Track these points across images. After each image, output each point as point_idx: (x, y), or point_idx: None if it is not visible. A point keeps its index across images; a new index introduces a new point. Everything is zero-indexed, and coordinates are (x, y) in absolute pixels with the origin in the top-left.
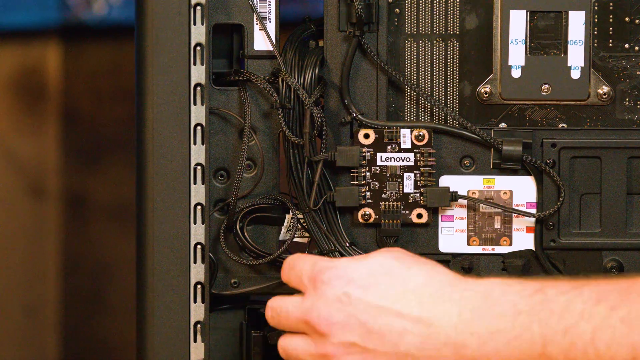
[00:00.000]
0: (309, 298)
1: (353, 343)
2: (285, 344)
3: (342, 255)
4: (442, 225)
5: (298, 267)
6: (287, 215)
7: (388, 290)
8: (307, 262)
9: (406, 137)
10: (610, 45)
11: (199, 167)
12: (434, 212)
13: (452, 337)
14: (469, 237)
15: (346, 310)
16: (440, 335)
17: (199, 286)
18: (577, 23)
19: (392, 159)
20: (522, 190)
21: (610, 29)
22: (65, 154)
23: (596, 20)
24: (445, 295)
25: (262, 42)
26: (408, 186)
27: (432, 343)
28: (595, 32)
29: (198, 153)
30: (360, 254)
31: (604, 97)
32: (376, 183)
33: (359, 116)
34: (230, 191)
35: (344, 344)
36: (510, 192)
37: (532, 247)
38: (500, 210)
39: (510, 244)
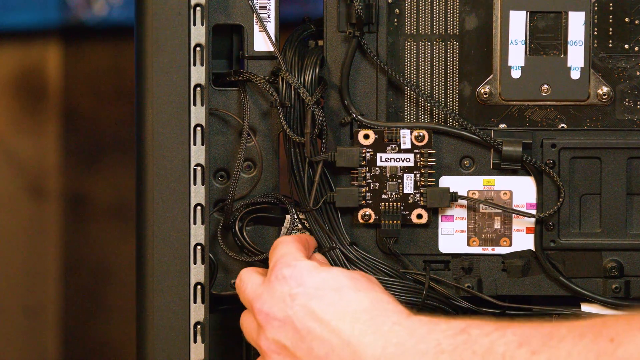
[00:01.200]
0: (263, 285)
1: (284, 346)
2: (243, 316)
3: (343, 253)
4: (442, 226)
5: (278, 250)
6: (286, 216)
7: (330, 306)
8: (286, 249)
9: (406, 137)
10: (610, 45)
11: (198, 168)
12: (433, 212)
13: None
14: (468, 238)
15: (286, 312)
16: None
17: (198, 287)
18: (576, 23)
19: (392, 160)
20: (522, 190)
21: (610, 29)
22: (65, 154)
23: (596, 20)
24: (377, 325)
25: (261, 42)
26: (408, 187)
27: None
28: (595, 33)
29: (198, 154)
30: (360, 252)
31: (604, 97)
32: (376, 183)
33: (358, 117)
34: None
35: (276, 342)
36: (510, 192)
37: (532, 248)
38: (500, 210)
39: (510, 245)
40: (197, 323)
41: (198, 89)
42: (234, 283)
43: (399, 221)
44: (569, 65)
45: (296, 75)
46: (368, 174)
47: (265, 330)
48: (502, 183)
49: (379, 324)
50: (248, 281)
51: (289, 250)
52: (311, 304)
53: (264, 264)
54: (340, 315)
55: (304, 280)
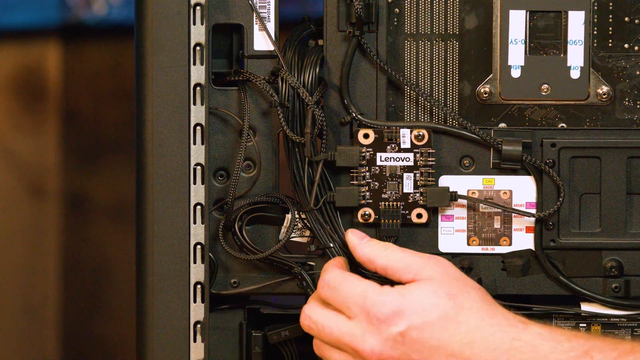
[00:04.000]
0: (360, 327)
1: None
2: (329, 355)
3: (341, 250)
4: (442, 225)
5: (345, 290)
6: (287, 215)
7: (442, 332)
8: (356, 288)
9: (406, 137)
10: (610, 45)
11: (198, 167)
12: (433, 212)
13: None
14: (468, 237)
15: (400, 349)
16: None
17: (198, 286)
18: (576, 23)
19: (392, 159)
20: (522, 190)
21: (610, 28)
22: (65, 154)
23: (596, 20)
24: (497, 342)
25: (261, 42)
26: (408, 186)
27: None
28: (595, 32)
29: (198, 153)
30: None
31: (604, 97)
32: (376, 183)
33: (358, 116)
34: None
35: None
36: (510, 192)
37: (532, 247)
38: (500, 210)
39: (510, 244)
40: (196, 322)
41: (198, 88)
42: (234, 282)
43: (398, 220)
44: (568, 64)
45: (296, 75)
46: (368, 174)
47: None
48: (502, 182)
49: (498, 341)
50: (328, 321)
51: (362, 285)
52: (423, 335)
53: (263, 263)
54: (455, 339)
55: (406, 313)
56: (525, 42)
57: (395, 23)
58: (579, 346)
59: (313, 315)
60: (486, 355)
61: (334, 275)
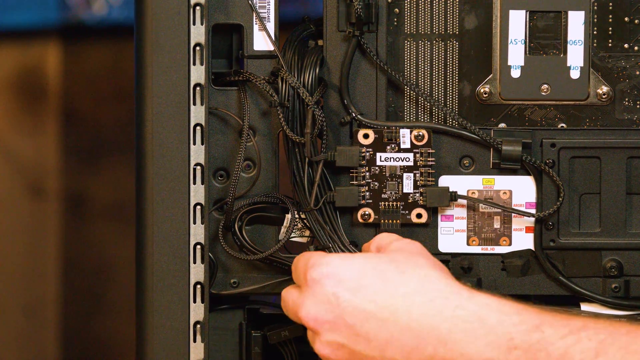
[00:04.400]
0: (302, 293)
1: (341, 344)
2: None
3: (341, 251)
4: (442, 225)
5: (298, 263)
6: (286, 215)
7: (378, 295)
8: (304, 257)
9: (406, 137)
10: (610, 45)
11: (198, 167)
12: (433, 212)
13: (440, 353)
14: (468, 237)
15: (334, 312)
16: (427, 349)
17: (198, 286)
18: (576, 23)
19: (392, 159)
20: (522, 190)
21: (610, 28)
22: (65, 154)
23: (596, 20)
24: (437, 308)
25: (261, 42)
26: (407, 186)
27: (418, 356)
28: (595, 32)
29: (197, 153)
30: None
31: (604, 97)
32: (376, 183)
33: (358, 116)
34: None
35: (332, 343)
36: (510, 192)
37: (532, 247)
38: (499, 210)
39: (510, 244)
40: (196, 322)
41: (198, 88)
42: (234, 283)
43: (398, 220)
44: (568, 64)
45: (296, 75)
46: (368, 174)
47: (320, 335)
48: (502, 182)
49: (439, 307)
50: (287, 296)
51: (309, 254)
52: (357, 297)
53: (263, 263)
54: (390, 301)
55: (342, 274)
56: (525, 42)
57: (395, 23)
58: (529, 320)
59: (283, 293)
60: (424, 321)
61: (296, 257)
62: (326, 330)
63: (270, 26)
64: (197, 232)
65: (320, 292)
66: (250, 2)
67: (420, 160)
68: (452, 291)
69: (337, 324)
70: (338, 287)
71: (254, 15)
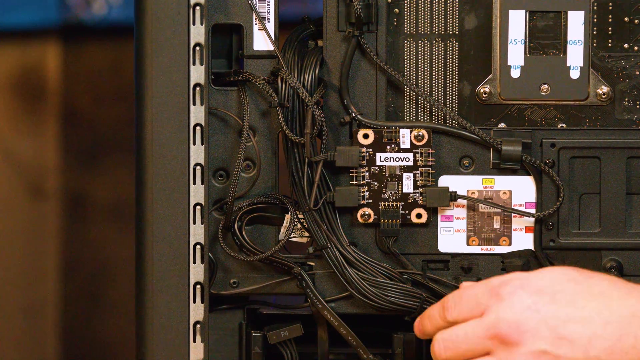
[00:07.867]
0: (492, 313)
1: (544, 351)
2: (455, 338)
3: (340, 252)
4: (442, 225)
5: (469, 292)
6: (286, 216)
7: (575, 296)
8: (479, 285)
9: (405, 137)
10: (610, 45)
11: (198, 167)
12: (433, 212)
13: None
14: (468, 237)
15: (536, 318)
16: (629, 340)
17: (198, 286)
18: (576, 23)
19: (392, 159)
20: (522, 190)
21: (610, 28)
22: (65, 154)
23: (595, 20)
24: (632, 299)
25: (261, 42)
26: (407, 186)
27: (621, 347)
28: (595, 32)
29: (197, 153)
30: (359, 254)
31: (603, 97)
32: (375, 183)
33: (358, 116)
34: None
35: (535, 352)
36: (510, 192)
37: (532, 247)
38: (499, 210)
39: (510, 244)
40: (196, 323)
41: (197, 88)
42: (234, 283)
43: (398, 221)
44: (568, 64)
45: (296, 76)
46: (367, 174)
47: (521, 345)
48: (502, 182)
49: (636, 297)
50: (459, 331)
51: (483, 281)
52: (555, 302)
53: (263, 263)
54: (589, 300)
55: (536, 284)
56: (525, 42)
57: (395, 23)
58: None
59: (444, 335)
60: (624, 312)
61: (453, 293)
62: (529, 338)
63: (270, 26)
64: (197, 232)
65: (518, 303)
66: (250, 2)
67: (420, 160)
68: (635, 286)
69: (540, 331)
70: (537, 295)
71: (254, 15)
